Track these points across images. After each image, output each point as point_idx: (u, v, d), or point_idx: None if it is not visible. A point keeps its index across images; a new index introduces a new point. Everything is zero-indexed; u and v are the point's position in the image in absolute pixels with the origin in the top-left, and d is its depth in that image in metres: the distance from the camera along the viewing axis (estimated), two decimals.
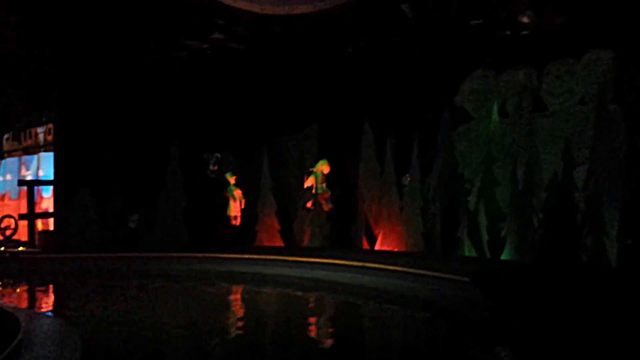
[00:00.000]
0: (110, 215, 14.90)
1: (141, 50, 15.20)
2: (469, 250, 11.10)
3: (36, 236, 15.24)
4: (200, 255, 12.52)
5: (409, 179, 12.35)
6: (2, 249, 14.86)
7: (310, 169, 14.12)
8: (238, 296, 10.13)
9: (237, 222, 14.86)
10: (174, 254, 12.84)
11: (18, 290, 11.85)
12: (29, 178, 17.32)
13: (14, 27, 15.38)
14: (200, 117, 15.49)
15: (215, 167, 15.47)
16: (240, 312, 8.89)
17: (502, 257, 10.51)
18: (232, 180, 14.99)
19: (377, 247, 12.55)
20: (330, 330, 7.56)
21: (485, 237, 11.20)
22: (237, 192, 14.94)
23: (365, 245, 12.76)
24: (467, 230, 11.22)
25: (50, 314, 8.62)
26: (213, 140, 15.77)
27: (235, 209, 14.92)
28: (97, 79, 15.17)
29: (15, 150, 20.08)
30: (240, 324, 8.00)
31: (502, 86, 12.23)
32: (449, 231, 11.52)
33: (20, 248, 14.81)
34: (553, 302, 7.09)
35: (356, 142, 13.58)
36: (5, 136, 20.62)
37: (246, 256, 11.75)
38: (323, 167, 14.01)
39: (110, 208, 14.90)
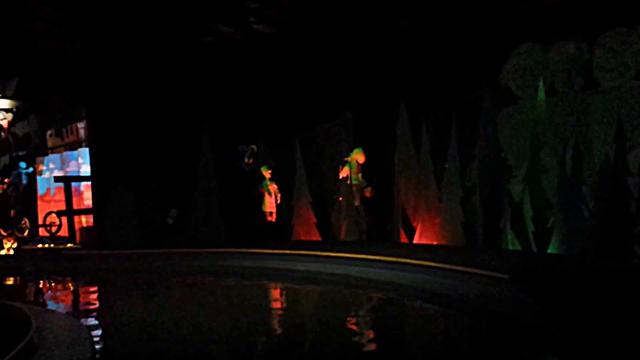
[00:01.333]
0: (148, 210, 14.71)
1: (172, 38, 14.91)
2: (512, 243, 10.29)
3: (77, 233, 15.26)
4: (237, 250, 12.14)
5: (447, 166, 11.55)
6: (52, 245, 14.94)
7: (345, 159, 13.49)
8: (273, 294, 9.69)
9: (273, 218, 14.40)
10: (211, 250, 12.52)
11: (58, 288, 11.78)
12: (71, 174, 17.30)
13: (57, 23, 15.44)
14: (232, 107, 15.09)
15: (251, 160, 15.00)
16: (278, 312, 8.49)
17: (549, 251, 9.67)
18: (267, 174, 14.51)
19: (415, 240, 11.86)
20: (369, 331, 7.02)
21: (530, 229, 10.35)
22: (273, 187, 14.48)
23: (404, 239, 12.07)
24: (510, 221, 10.39)
25: (66, 312, 8.35)
26: (245, 131, 15.32)
27: (270, 204, 14.46)
28: (129, 71, 14.96)
29: (59, 147, 20.22)
30: (279, 323, 7.66)
31: (551, 62, 11.34)
32: (491, 222, 10.72)
33: (69, 245, 14.82)
34: (604, 303, 6.32)
35: (392, 128, 12.87)
36: (49, 132, 20.79)
37: (279, 251, 11.27)
38: (358, 156, 13.38)
39: (148, 203, 14.70)
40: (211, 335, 6.88)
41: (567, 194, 9.74)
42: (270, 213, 14.46)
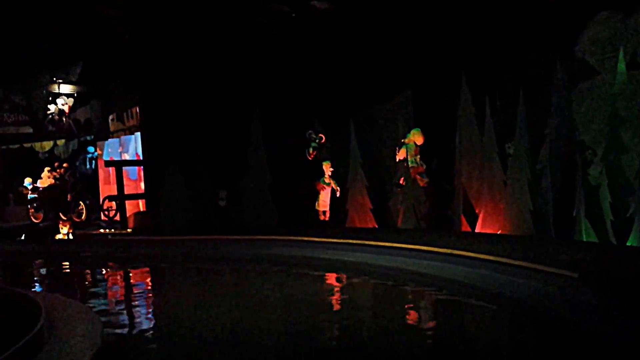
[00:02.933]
0: (200, 194, 14.35)
1: (225, 20, 14.39)
2: (587, 234, 9.12)
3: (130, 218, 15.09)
4: (286, 238, 11.47)
5: (513, 147, 10.47)
6: (112, 230, 14.87)
7: (402, 140, 12.58)
8: (318, 288, 8.76)
9: (326, 217, 13.58)
10: (261, 237, 11.91)
11: (98, 275, 11.53)
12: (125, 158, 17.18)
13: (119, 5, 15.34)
14: (285, 88, 14.40)
15: (314, 154, 14.03)
16: (329, 307, 7.61)
17: (628, 243, 8.48)
18: (328, 170, 13.58)
19: (477, 228, 10.86)
20: (415, 335, 6.18)
21: (608, 217, 9.15)
22: (332, 183, 13.54)
23: (465, 227, 11.08)
24: (585, 208, 9.22)
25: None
26: (300, 113, 14.58)
27: (323, 203, 13.55)
28: (180, 53, 14.55)
29: (120, 131, 20.26)
30: (331, 321, 6.89)
31: (632, 31, 9.97)
32: (564, 210, 9.59)
33: (128, 230, 14.69)
34: None
35: (454, 107, 11.84)
36: (110, 117, 20.84)
37: (328, 240, 10.53)
38: (415, 138, 12.43)
39: (200, 186, 14.34)
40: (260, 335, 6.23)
41: None
42: (324, 212, 13.61)
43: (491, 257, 7.58)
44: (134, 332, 6.73)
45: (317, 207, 13.56)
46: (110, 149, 18.78)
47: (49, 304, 5.98)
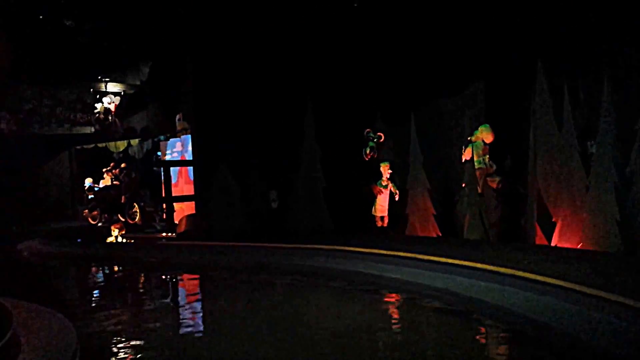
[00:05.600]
0: (253, 196, 13.49)
1: (279, 8, 13.46)
2: None
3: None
4: (333, 247, 10.29)
5: (597, 146, 8.84)
6: (164, 235, 14.32)
7: (468, 138, 11.12)
8: (351, 310, 7.51)
9: (385, 223, 12.32)
10: (313, 246, 10.74)
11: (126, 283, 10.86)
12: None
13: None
14: (344, 82, 13.25)
15: (373, 154, 12.83)
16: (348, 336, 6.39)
17: None
18: (386, 172, 12.36)
19: (554, 241, 9.27)
20: None
21: None
22: (390, 186, 12.28)
23: (541, 239, 9.50)
24: None
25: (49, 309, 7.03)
26: (360, 108, 13.38)
27: (381, 208, 12.32)
28: (232, 47, 13.74)
29: (187, 129, 19.85)
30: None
31: None
32: None
33: (173, 234, 14.07)
34: None
35: (530, 99, 10.27)
36: (177, 116, 20.47)
37: (374, 251, 9.27)
38: (484, 135, 10.95)
39: (252, 188, 13.48)
40: None
41: None
42: (382, 218, 12.35)
43: (562, 283, 6.08)
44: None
45: (374, 213, 12.34)
46: (171, 149, 18.30)
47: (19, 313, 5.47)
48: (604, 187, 8.55)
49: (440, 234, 11.58)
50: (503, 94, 11.51)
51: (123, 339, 6.39)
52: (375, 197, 12.31)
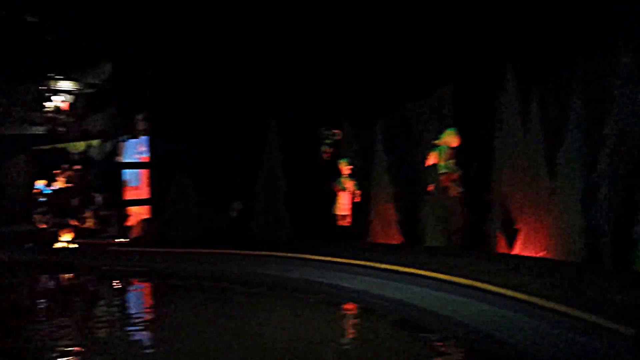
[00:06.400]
0: (212, 202, 12.97)
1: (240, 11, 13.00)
2: None
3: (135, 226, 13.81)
4: (286, 255, 9.86)
5: (563, 150, 8.54)
6: (116, 240, 13.66)
7: (433, 142, 10.77)
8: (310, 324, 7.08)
9: (347, 222, 11.91)
10: (271, 253, 10.24)
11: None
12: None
13: None
14: (308, 83, 12.83)
15: (331, 150, 12.45)
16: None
17: None
18: (345, 170, 12.00)
19: (516, 249, 8.93)
20: None
21: None
22: (350, 184, 11.91)
23: (503, 247, 9.16)
24: None
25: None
26: (325, 111, 12.97)
27: (343, 207, 11.92)
28: (190, 51, 13.21)
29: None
30: None
31: None
32: (625, 230, 7.58)
33: (125, 240, 13.43)
34: None
35: (496, 104, 9.96)
36: (140, 116, 19.83)
37: (334, 260, 8.83)
38: (449, 139, 10.60)
39: (211, 194, 12.96)
40: None
41: None
42: (344, 216, 11.94)
43: (522, 296, 5.69)
44: None
45: (335, 211, 11.93)
46: (131, 151, 17.69)
47: None
48: (569, 193, 8.24)
49: (404, 240, 11.19)
50: (471, 98, 11.19)
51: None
52: (336, 196, 11.91)
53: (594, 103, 8.92)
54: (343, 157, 12.17)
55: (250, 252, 10.52)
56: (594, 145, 8.52)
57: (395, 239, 11.22)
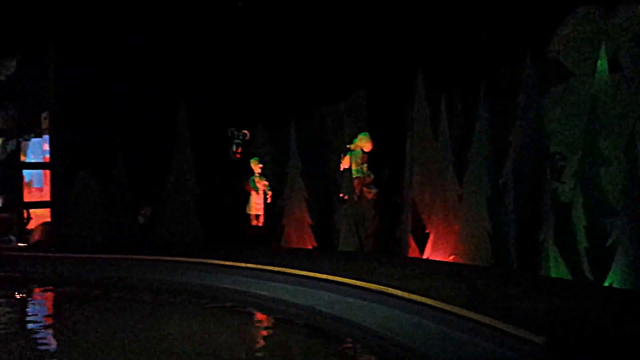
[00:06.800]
0: (119, 204, 12.37)
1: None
2: (556, 266, 7.32)
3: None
4: (207, 261, 9.48)
5: (471, 155, 8.74)
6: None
7: (347, 146, 10.78)
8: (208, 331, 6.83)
9: (260, 222, 11.74)
10: (179, 259, 9.84)
11: None
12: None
13: None
14: (223, 83, 12.54)
15: (239, 150, 12.27)
16: None
17: (608, 282, 6.70)
18: (256, 168, 11.81)
19: (426, 253, 9.05)
20: None
21: (582, 244, 7.38)
22: (262, 184, 11.76)
23: (414, 251, 9.25)
24: (554, 233, 7.43)
25: None
26: (240, 112, 12.74)
27: (256, 206, 11.75)
28: (95, 47, 12.54)
29: None
30: None
31: (615, 29, 8.53)
32: (530, 234, 7.83)
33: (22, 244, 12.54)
34: None
35: (407, 107, 10.08)
36: (43, 115, 18.76)
37: (241, 265, 8.58)
38: (363, 143, 10.66)
39: (119, 196, 12.36)
40: None
41: (637, 196, 6.75)
42: (257, 216, 11.77)
43: (431, 302, 5.71)
44: None
45: (248, 211, 11.73)
46: (36, 150, 16.69)
47: None
48: (476, 198, 8.43)
49: (316, 245, 11.11)
50: (384, 103, 11.31)
51: None
52: (249, 195, 11.71)
53: (501, 111, 9.22)
54: (253, 156, 12.03)
55: (158, 258, 10.09)
56: (501, 151, 8.80)
57: (309, 243, 11.11)
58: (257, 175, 11.78)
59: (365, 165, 10.71)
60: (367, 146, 10.67)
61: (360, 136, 10.74)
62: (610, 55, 8.17)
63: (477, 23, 10.42)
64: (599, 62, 8.03)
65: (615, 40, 8.51)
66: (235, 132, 12.53)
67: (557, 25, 9.29)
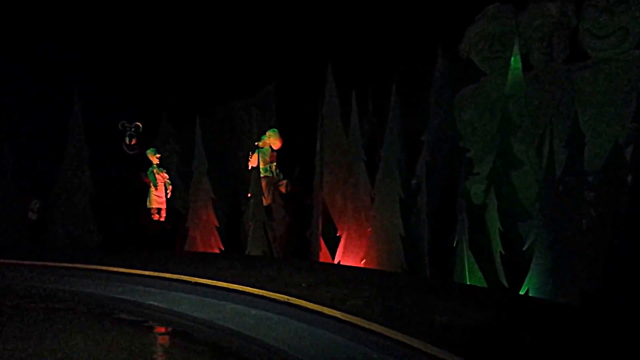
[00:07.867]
0: (5, 203, 11.25)
1: None
2: (470, 272, 7.08)
3: None
4: (100, 268, 8.64)
5: (382, 155, 8.41)
6: None
7: (255, 143, 10.22)
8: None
9: (161, 216, 11.02)
10: (69, 265, 8.95)
11: None
12: None
13: None
14: (123, 74, 11.72)
15: (134, 141, 11.54)
16: None
17: (524, 289, 6.51)
18: (154, 159, 11.09)
19: (338, 257, 8.65)
20: None
21: (497, 249, 7.19)
22: (162, 177, 11.06)
23: (325, 255, 8.81)
24: (468, 237, 7.19)
25: None
26: (143, 104, 11.96)
27: (157, 199, 11.03)
28: None
29: None
30: None
31: (526, 27, 8.42)
32: (443, 237, 7.57)
33: None
34: None
35: (318, 104, 9.66)
36: None
37: (135, 272, 7.88)
38: (271, 141, 10.16)
39: (5, 194, 11.25)
40: None
41: (553, 198, 6.59)
42: (158, 210, 11.03)
43: (340, 314, 5.25)
44: None
45: (149, 205, 10.98)
46: None
47: None
48: (388, 200, 8.09)
49: (223, 249, 10.49)
50: (294, 98, 10.87)
51: None
52: (149, 188, 10.94)
53: (413, 110, 8.97)
54: (150, 147, 11.31)
55: (48, 264, 9.19)
56: (413, 152, 8.53)
57: (215, 247, 10.48)
58: (156, 166, 11.04)
59: (274, 163, 10.21)
60: (276, 144, 10.17)
61: (268, 133, 10.23)
62: (521, 55, 8.07)
63: (389, 19, 10.21)
64: (513, 59, 7.93)
65: (527, 39, 8.44)
66: (127, 125, 11.78)
67: (468, 23, 9.12)
